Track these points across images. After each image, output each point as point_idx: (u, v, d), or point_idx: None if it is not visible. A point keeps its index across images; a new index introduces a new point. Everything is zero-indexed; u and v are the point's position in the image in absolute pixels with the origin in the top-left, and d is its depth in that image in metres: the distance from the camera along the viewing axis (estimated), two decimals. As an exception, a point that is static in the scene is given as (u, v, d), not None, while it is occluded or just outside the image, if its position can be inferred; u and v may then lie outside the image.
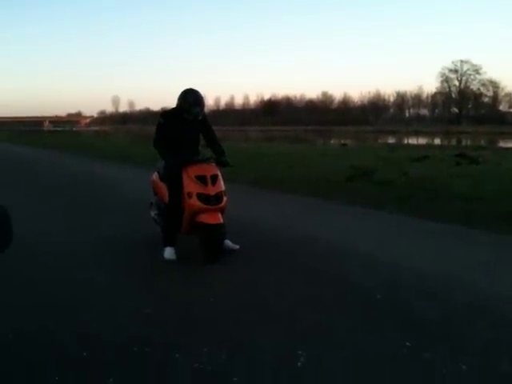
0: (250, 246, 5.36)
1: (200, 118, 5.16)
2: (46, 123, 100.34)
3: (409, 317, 3.54)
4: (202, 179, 4.90)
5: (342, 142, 33.21)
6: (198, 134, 5.29)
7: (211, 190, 4.87)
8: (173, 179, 5.06)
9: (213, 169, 5.07)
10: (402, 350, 3.02)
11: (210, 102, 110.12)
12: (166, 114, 5.24)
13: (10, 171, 14.63)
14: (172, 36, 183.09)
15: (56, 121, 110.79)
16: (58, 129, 75.29)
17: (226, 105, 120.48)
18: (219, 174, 5.08)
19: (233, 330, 3.34)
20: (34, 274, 4.59)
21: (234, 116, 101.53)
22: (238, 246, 5.26)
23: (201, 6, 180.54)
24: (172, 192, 5.06)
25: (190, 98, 5.02)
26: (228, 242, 5.23)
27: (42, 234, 6.11)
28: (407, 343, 3.09)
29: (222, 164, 5.25)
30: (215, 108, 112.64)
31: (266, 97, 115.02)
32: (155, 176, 5.66)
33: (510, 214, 6.51)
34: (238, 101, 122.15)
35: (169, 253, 5.01)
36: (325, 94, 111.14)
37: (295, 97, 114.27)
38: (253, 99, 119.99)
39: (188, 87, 5.14)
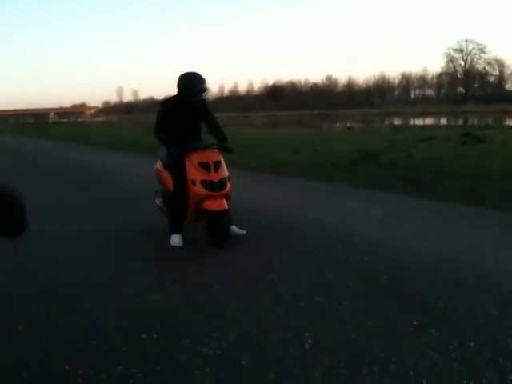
0: (255, 231, 5.38)
1: (206, 97, 5.14)
2: (52, 115, 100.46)
3: (414, 296, 3.55)
4: (205, 166, 4.90)
5: (348, 125, 33.04)
6: (200, 120, 5.28)
7: (214, 177, 4.88)
8: (176, 167, 5.06)
9: (215, 155, 5.07)
10: (410, 328, 3.03)
11: (213, 89, 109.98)
12: (166, 101, 5.22)
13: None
14: (174, 24, 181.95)
15: (61, 112, 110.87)
16: (64, 120, 75.26)
17: (230, 92, 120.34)
18: (222, 160, 5.07)
19: (240, 315, 3.36)
20: (42, 257, 4.64)
21: (239, 102, 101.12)
22: (244, 232, 5.28)
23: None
24: (176, 180, 5.07)
25: (191, 78, 4.99)
26: (235, 228, 5.24)
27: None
28: (414, 322, 3.10)
29: (224, 150, 5.24)
30: (219, 95, 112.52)
31: (270, 82, 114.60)
32: (159, 164, 5.66)
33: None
34: (242, 87, 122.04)
35: (176, 240, 5.03)
36: (329, 78, 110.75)
37: (299, 82, 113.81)
38: (257, 85, 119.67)
39: (187, 71, 5.10)
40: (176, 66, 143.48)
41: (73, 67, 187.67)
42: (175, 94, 5.15)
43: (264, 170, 10.22)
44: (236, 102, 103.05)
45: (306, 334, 3.01)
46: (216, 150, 5.17)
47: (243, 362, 2.73)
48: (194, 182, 4.87)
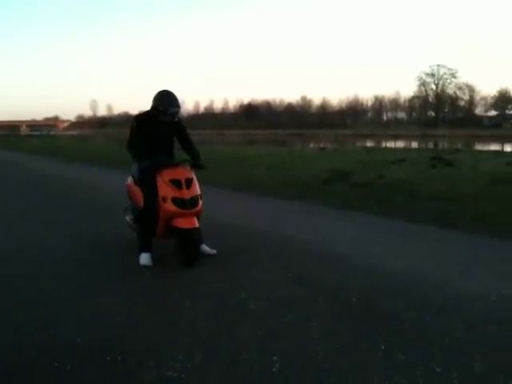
0: (227, 247, 5.34)
1: (176, 119, 5.13)
2: (23, 127, 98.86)
3: (383, 317, 3.54)
4: (176, 183, 4.84)
5: (322, 145, 33.39)
6: (173, 136, 5.24)
7: (186, 194, 4.83)
8: (147, 183, 5.00)
9: (187, 172, 5.03)
10: (378, 351, 3.02)
11: (189, 106, 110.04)
12: (140, 116, 5.17)
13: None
14: (151, 40, 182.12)
15: (33, 125, 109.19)
16: (36, 133, 73.97)
17: (206, 109, 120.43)
18: (194, 177, 5.03)
19: (209, 332, 3.31)
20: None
21: (214, 120, 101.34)
22: (215, 251, 5.22)
23: (179, 10, 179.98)
24: (147, 196, 5.00)
25: (166, 99, 4.97)
26: (205, 247, 5.18)
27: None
28: (382, 345, 3.09)
29: (197, 167, 5.21)
30: (194, 112, 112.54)
31: (246, 101, 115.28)
32: (130, 180, 5.59)
33: (483, 215, 6.61)
34: (218, 105, 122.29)
35: (145, 258, 4.94)
36: (304, 99, 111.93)
37: (274, 101, 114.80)
38: (232, 103, 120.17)
39: (162, 89, 5.09)
40: (151, 81, 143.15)
41: (46, 79, 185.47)
42: (149, 109, 5.11)
43: (236, 187, 10.20)
44: (211, 119, 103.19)
45: (274, 355, 2.97)
46: (188, 167, 5.13)
47: (210, 384, 2.67)
48: (164, 199, 4.81)
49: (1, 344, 3.20)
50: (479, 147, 32.96)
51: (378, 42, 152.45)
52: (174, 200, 4.78)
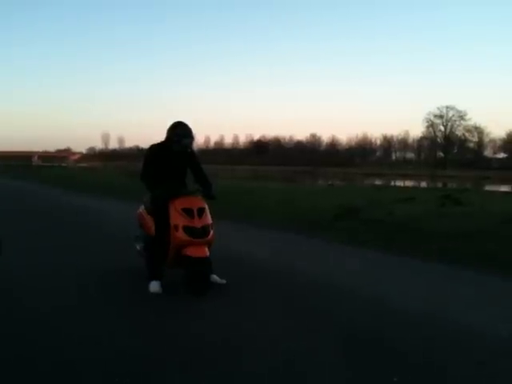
0: (236, 279, 5.35)
1: (189, 150, 5.23)
2: (35, 158, 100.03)
3: (392, 350, 3.52)
4: (188, 212, 4.91)
5: (329, 182, 33.45)
6: (186, 167, 5.34)
7: (198, 223, 4.88)
8: (159, 211, 5.06)
9: (200, 202, 5.09)
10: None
11: (199, 140, 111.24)
12: (154, 146, 5.26)
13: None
14: (163, 74, 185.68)
15: (45, 156, 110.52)
16: (47, 164, 74.66)
17: (216, 144, 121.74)
18: (206, 206, 5.10)
19: (214, 363, 3.30)
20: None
21: (224, 155, 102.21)
22: (224, 281, 5.24)
23: (190, 42, 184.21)
24: (158, 224, 5.06)
25: (180, 129, 5.09)
26: (215, 277, 5.20)
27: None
28: (394, 379, 3.07)
29: (209, 197, 5.28)
30: (205, 147, 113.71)
31: (256, 137, 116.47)
32: (141, 209, 5.66)
33: (493, 254, 6.59)
34: (228, 140, 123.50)
35: (155, 286, 4.96)
36: (313, 136, 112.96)
37: (284, 138, 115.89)
38: (242, 139, 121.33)
39: (177, 120, 5.21)
40: (163, 116, 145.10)
41: (59, 111, 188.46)
42: (163, 139, 5.22)
43: (246, 220, 10.25)
44: (221, 154, 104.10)
45: (283, 384, 2.96)
46: (200, 197, 5.20)
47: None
48: (176, 228, 4.86)
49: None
50: (488, 188, 32.86)
51: (388, 81, 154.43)
52: (186, 228, 4.83)
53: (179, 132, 5.08)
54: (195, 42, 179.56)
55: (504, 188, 34.25)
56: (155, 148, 5.22)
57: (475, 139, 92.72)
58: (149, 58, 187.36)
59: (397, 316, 4.29)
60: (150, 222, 5.31)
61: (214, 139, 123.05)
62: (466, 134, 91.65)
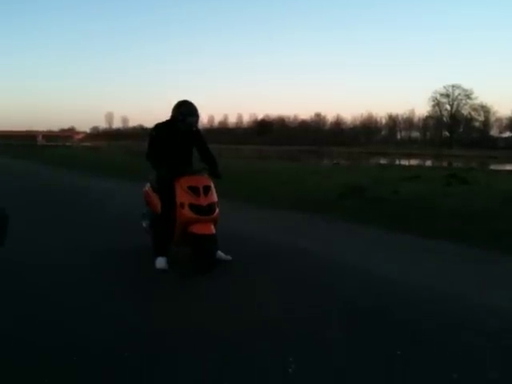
0: (240, 257, 5.38)
1: (194, 128, 5.22)
2: (40, 138, 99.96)
3: (399, 326, 3.55)
4: (194, 190, 4.92)
5: (334, 161, 33.35)
6: (191, 145, 5.33)
7: (203, 201, 4.89)
8: (165, 190, 5.08)
9: (205, 180, 5.10)
10: (394, 358, 3.03)
11: (203, 120, 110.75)
12: (159, 125, 5.24)
13: None
14: (167, 54, 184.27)
15: (49, 135, 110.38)
16: (52, 144, 74.56)
17: (220, 123, 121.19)
18: (212, 185, 5.11)
19: (222, 338, 3.34)
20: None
21: (228, 135, 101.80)
22: (230, 258, 5.28)
23: (195, 25, 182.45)
24: (164, 202, 5.08)
25: (185, 108, 5.07)
26: (220, 254, 5.24)
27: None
28: (398, 351, 3.10)
29: (214, 175, 5.28)
30: (209, 126, 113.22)
31: (260, 117, 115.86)
32: (148, 187, 5.68)
33: (498, 232, 6.58)
34: (232, 120, 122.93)
35: (161, 263, 5.00)
36: (318, 115, 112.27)
37: (288, 117, 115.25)
38: (246, 119, 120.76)
39: (182, 99, 5.18)
40: (167, 95, 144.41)
41: (64, 91, 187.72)
42: (168, 118, 5.20)
43: (251, 199, 10.25)
44: (225, 133, 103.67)
45: (290, 359, 2.99)
46: (206, 175, 5.20)
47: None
48: (182, 205, 4.88)
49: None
50: (494, 167, 32.70)
51: (393, 60, 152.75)
52: (192, 206, 4.85)
53: (184, 111, 5.06)
54: (198, 18, 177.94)
55: (510, 167, 34.07)
56: (160, 127, 5.20)
57: (481, 118, 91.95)
58: (151, 36, 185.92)
59: (398, 292, 4.31)
60: (155, 200, 5.33)
61: (217, 119, 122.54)
62: (472, 113, 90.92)
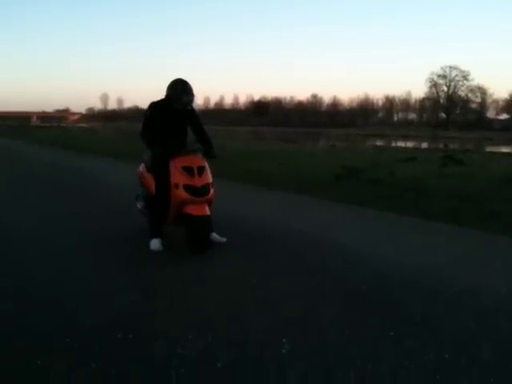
0: (237, 238, 5.36)
1: (190, 107, 5.15)
2: (34, 118, 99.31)
3: (393, 306, 3.56)
4: (188, 170, 4.88)
5: (331, 143, 33.29)
6: (186, 125, 5.27)
7: (198, 182, 4.86)
8: (160, 170, 5.03)
9: (200, 160, 5.05)
10: (387, 337, 3.04)
11: (199, 101, 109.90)
12: (153, 104, 5.15)
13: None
14: (162, 35, 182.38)
15: (43, 116, 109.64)
16: (46, 125, 73.99)
17: (216, 105, 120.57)
18: (206, 165, 5.06)
19: (218, 318, 3.34)
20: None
21: (224, 116, 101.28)
22: (225, 239, 5.25)
23: (191, 5, 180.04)
24: (159, 183, 5.04)
25: (179, 87, 5.00)
26: (215, 235, 5.21)
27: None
28: (391, 332, 3.11)
29: (209, 156, 5.23)
30: (204, 108, 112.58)
31: (256, 98, 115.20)
32: (142, 167, 5.63)
33: (493, 213, 6.59)
34: (228, 101, 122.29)
35: (155, 244, 4.98)
36: (314, 97, 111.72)
37: (285, 99, 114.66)
38: (242, 100, 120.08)
39: (177, 77, 5.11)
40: (163, 76, 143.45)
41: (58, 72, 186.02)
42: (163, 97, 5.13)
43: (247, 180, 10.22)
44: (221, 115, 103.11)
45: (284, 339, 2.99)
46: (201, 155, 5.16)
47: (219, 365, 2.70)
48: (176, 186, 4.84)
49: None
50: (490, 149, 32.72)
51: (390, 42, 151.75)
52: (186, 187, 4.81)
53: (179, 89, 4.99)
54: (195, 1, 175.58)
55: (505, 149, 34.10)
56: (155, 106, 5.13)
57: (478, 100, 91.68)
58: (148, 16, 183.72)
59: (392, 271, 4.31)
60: (150, 180, 5.29)
61: (213, 100, 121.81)
62: (469, 95, 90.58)
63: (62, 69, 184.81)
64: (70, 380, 2.56)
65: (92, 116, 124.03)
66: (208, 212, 4.89)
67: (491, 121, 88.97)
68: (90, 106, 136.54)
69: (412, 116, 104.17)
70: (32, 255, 4.79)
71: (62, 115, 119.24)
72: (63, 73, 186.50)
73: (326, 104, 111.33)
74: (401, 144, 40.69)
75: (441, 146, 38.08)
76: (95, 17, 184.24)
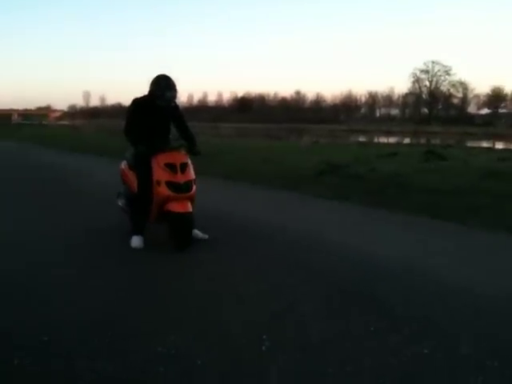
0: (219, 235, 5.36)
1: (173, 104, 5.11)
2: (15, 116, 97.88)
3: (374, 301, 3.59)
4: (171, 167, 4.86)
5: (314, 139, 33.35)
6: (169, 122, 5.24)
7: (180, 178, 4.84)
8: (142, 167, 5.00)
9: (182, 157, 5.03)
10: (368, 333, 3.06)
11: (182, 98, 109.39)
12: (137, 100, 5.10)
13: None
14: (144, 31, 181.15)
15: (25, 114, 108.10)
16: (27, 122, 72.96)
17: (199, 101, 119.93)
18: (189, 162, 5.05)
19: (200, 314, 3.34)
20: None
21: (207, 113, 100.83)
22: (207, 236, 5.25)
23: (172, 2, 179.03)
24: (141, 180, 5.01)
25: (163, 82, 4.95)
26: (197, 232, 5.21)
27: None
28: (372, 327, 3.14)
29: (193, 153, 5.21)
30: (188, 105, 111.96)
31: (240, 94, 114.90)
32: (124, 165, 5.59)
33: (474, 207, 6.68)
34: (212, 98, 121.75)
35: (136, 241, 4.96)
36: (298, 93, 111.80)
37: (268, 95, 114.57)
38: (226, 97, 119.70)
39: (160, 73, 5.06)
40: (145, 73, 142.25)
41: (39, 69, 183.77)
42: (146, 93, 5.08)
43: (231, 177, 10.22)
44: (205, 112, 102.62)
45: (264, 336, 3.01)
46: (183, 152, 5.13)
47: (198, 362, 2.70)
48: (159, 183, 4.82)
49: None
50: (471, 144, 33.08)
51: (372, 38, 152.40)
52: (169, 184, 4.79)
53: (162, 85, 4.95)
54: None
55: (485, 144, 34.50)
56: (138, 102, 5.08)
57: (460, 95, 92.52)
58: (130, 13, 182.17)
59: (376, 266, 4.35)
60: (132, 178, 5.26)
61: (197, 97, 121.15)
62: (451, 90, 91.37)
63: (45, 66, 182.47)
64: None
65: (74, 113, 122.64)
66: (190, 209, 4.88)
67: (473, 116, 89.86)
68: (72, 103, 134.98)
69: (395, 112, 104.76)
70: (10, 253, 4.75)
71: (43, 113, 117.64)
72: (45, 70, 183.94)
73: (309, 100, 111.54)
74: (383, 140, 40.93)
75: (423, 141, 38.36)
76: (77, 14, 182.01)
